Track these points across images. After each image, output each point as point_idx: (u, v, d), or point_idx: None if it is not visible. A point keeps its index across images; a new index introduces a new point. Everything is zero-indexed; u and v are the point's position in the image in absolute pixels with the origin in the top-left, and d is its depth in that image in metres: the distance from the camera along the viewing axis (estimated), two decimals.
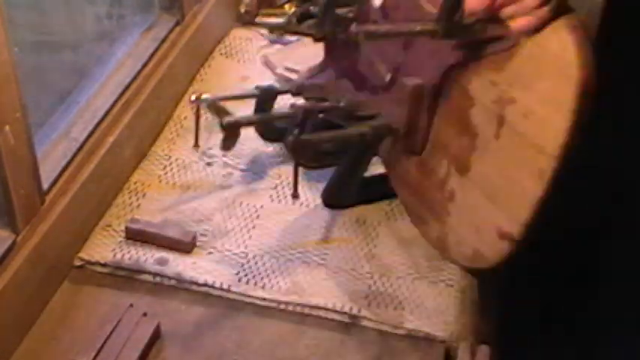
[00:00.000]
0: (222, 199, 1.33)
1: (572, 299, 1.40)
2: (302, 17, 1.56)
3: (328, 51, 1.34)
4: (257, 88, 1.32)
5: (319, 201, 1.32)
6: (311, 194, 1.34)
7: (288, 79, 1.53)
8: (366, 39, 1.09)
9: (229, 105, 1.17)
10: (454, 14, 1.02)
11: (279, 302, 1.19)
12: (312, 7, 1.39)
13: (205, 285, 1.21)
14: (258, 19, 1.76)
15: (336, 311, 1.18)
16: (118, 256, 1.24)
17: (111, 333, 1.12)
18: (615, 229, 1.34)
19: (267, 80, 1.52)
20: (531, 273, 1.40)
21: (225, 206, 1.33)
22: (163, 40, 1.50)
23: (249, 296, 1.19)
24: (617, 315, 1.37)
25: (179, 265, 1.23)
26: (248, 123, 1.23)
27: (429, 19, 1.06)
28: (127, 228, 1.27)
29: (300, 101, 1.28)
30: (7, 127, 1.07)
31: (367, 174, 1.32)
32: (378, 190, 1.32)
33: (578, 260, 1.38)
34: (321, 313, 1.18)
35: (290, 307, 1.19)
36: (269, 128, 1.34)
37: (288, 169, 1.35)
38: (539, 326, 1.42)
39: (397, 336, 1.16)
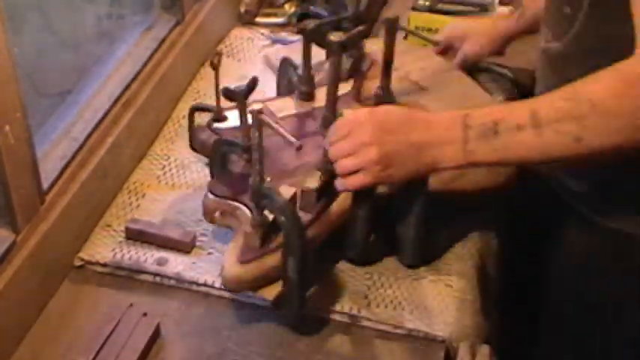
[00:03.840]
0: None
1: (572, 298, 1.40)
2: (301, 17, 1.56)
3: None
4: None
5: None
6: None
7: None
8: None
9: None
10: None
11: None
12: (311, 8, 1.40)
13: (205, 285, 1.21)
14: (258, 19, 1.76)
15: (335, 311, 1.17)
16: (118, 256, 1.24)
17: (111, 333, 1.12)
18: None
19: (267, 80, 1.52)
20: (531, 272, 1.40)
21: None
22: (163, 40, 1.50)
23: (249, 296, 1.19)
24: (617, 314, 1.37)
25: (179, 265, 1.23)
26: None
27: None
28: (127, 228, 1.27)
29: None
30: (7, 127, 1.07)
31: None
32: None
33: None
34: (321, 313, 1.18)
35: None
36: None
37: None
38: (539, 326, 1.42)
39: (397, 336, 1.16)
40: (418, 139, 1.08)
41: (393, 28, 1.24)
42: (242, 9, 1.75)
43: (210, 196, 1.19)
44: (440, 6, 1.67)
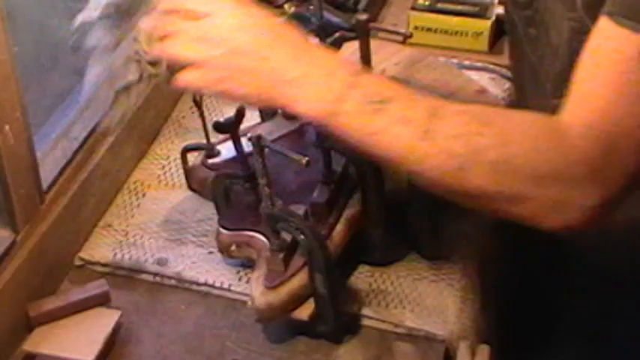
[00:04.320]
0: None
1: (571, 298, 1.40)
2: (297, 18, 1.56)
3: None
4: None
5: None
6: None
7: None
8: None
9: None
10: None
11: None
12: (311, 7, 1.40)
13: (206, 284, 1.21)
14: None
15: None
16: (118, 256, 1.24)
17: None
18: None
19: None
20: (531, 272, 1.40)
21: None
22: None
23: (250, 296, 1.19)
24: (616, 314, 1.37)
25: (179, 265, 1.23)
26: None
27: None
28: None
29: None
30: (7, 127, 1.07)
31: None
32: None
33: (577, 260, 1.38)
34: None
35: None
36: None
37: None
38: (539, 326, 1.42)
39: (397, 335, 1.15)
40: (280, 66, 0.87)
41: (365, 29, 1.24)
42: None
43: (223, 231, 1.19)
44: (440, 6, 1.67)
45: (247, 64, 0.87)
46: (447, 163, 0.84)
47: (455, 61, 1.59)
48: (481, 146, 0.83)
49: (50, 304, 1.14)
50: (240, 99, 0.93)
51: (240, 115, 1.20)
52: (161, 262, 1.24)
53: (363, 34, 1.24)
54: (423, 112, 0.85)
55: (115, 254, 1.25)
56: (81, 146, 1.27)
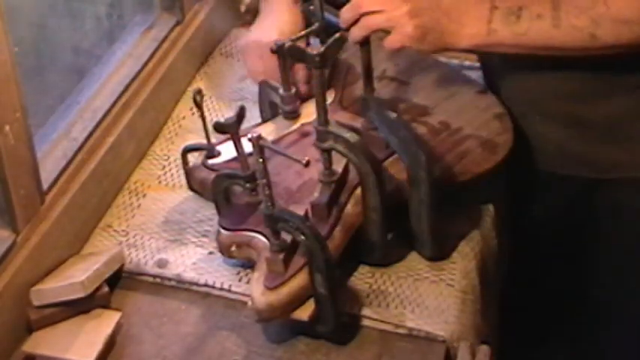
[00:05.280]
0: None
1: (571, 299, 1.40)
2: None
3: None
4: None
5: None
6: None
7: None
8: None
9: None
10: None
11: None
12: (311, 7, 1.40)
13: (206, 285, 1.21)
14: None
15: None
16: None
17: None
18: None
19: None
20: (531, 273, 1.40)
21: None
22: (163, 40, 1.50)
23: (250, 296, 1.19)
24: (614, 315, 1.37)
25: (179, 266, 1.23)
26: None
27: None
28: None
29: None
30: (7, 127, 1.07)
31: None
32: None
33: (575, 261, 1.38)
34: None
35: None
36: None
37: None
38: (539, 326, 1.42)
39: (398, 335, 1.15)
40: (448, 7, 1.15)
41: None
42: (242, 9, 1.75)
43: (223, 231, 1.19)
44: None
45: (424, 8, 1.15)
46: (579, 36, 1.11)
47: (455, 61, 1.59)
48: (597, 15, 1.09)
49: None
50: (427, 44, 1.16)
51: (240, 115, 1.20)
52: (161, 263, 1.24)
53: None
54: (548, 8, 1.12)
55: None
56: (81, 146, 1.27)
